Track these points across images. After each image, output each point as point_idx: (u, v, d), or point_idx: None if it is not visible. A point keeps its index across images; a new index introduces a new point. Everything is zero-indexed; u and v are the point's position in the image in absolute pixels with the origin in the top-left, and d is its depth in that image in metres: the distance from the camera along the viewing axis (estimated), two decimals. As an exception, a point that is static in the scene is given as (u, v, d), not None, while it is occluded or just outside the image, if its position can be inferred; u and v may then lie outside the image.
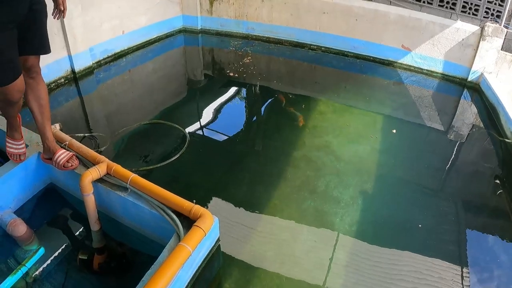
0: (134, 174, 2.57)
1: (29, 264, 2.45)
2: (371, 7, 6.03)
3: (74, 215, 2.99)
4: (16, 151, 2.75)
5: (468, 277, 2.66)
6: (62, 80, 4.98)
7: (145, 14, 6.30)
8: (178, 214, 2.36)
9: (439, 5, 5.94)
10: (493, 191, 3.68)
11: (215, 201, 3.21)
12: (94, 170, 2.56)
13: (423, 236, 3.00)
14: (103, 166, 2.61)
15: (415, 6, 6.04)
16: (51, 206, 3.07)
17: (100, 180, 2.63)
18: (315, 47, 6.75)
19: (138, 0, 6.07)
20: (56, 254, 2.60)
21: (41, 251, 2.56)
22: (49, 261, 2.54)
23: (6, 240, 2.63)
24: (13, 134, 2.72)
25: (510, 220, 3.30)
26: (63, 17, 2.59)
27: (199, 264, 2.37)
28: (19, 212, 2.79)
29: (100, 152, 3.38)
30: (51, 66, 4.69)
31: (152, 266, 2.08)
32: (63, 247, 2.67)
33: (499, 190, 3.66)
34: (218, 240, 2.58)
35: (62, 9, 2.53)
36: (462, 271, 2.70)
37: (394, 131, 4.33)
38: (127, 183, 2.53)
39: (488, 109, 5.07)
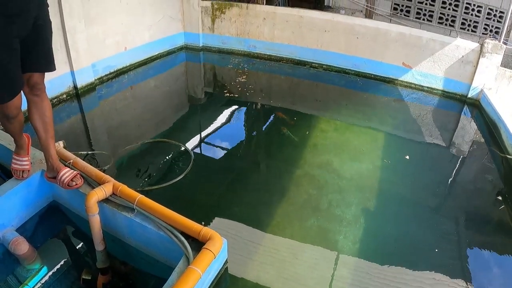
0: (141, 195, 2.53)
1: (31, 283, 2.41)
2: (372, 25, 6.11)
3: (77, 234, 2.95)
4: (20, 167, 2.72)
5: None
6: (64, 96, 4.99)
7: (147, 30, 6.36)
8: (186, 236, 2.34)
9: (438, 22, 6.03)
10: (495, 207, 3.67)
11: (220, 220, 3.18)
12: (100, 190, 2.52)
13: (426, 253, 2.98)
14: (109, 186, 2.58)
15: (415, 23, 6.12)
16: (54, 224, 3.03)
17: (106, 200, 2.60)
18: (316, 65, 6.81)
19: (140, 17, 6.13)
20: (59, 273, 2.55)
21: (44, 270, 2.52)
22: (51, 281, 2.49)
23: (8, 259, 2.59)
24: (18, 150, 2.71)
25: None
26: None
27: (207, 287, 2.34)
28: (21, 230, 2.75)
29: (103, 171, 3.36)
30: (53, 81, 4.69)
31: (161, 289, 2.04)
32: (66, 266, 2.63)
33: (501, 206, 3.65)
34: (226, 262, 2.55)
35: None
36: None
37: (407, 157, 4.28)
38: (133, 204, 2.50)
39: (488, 125, 5.10)
